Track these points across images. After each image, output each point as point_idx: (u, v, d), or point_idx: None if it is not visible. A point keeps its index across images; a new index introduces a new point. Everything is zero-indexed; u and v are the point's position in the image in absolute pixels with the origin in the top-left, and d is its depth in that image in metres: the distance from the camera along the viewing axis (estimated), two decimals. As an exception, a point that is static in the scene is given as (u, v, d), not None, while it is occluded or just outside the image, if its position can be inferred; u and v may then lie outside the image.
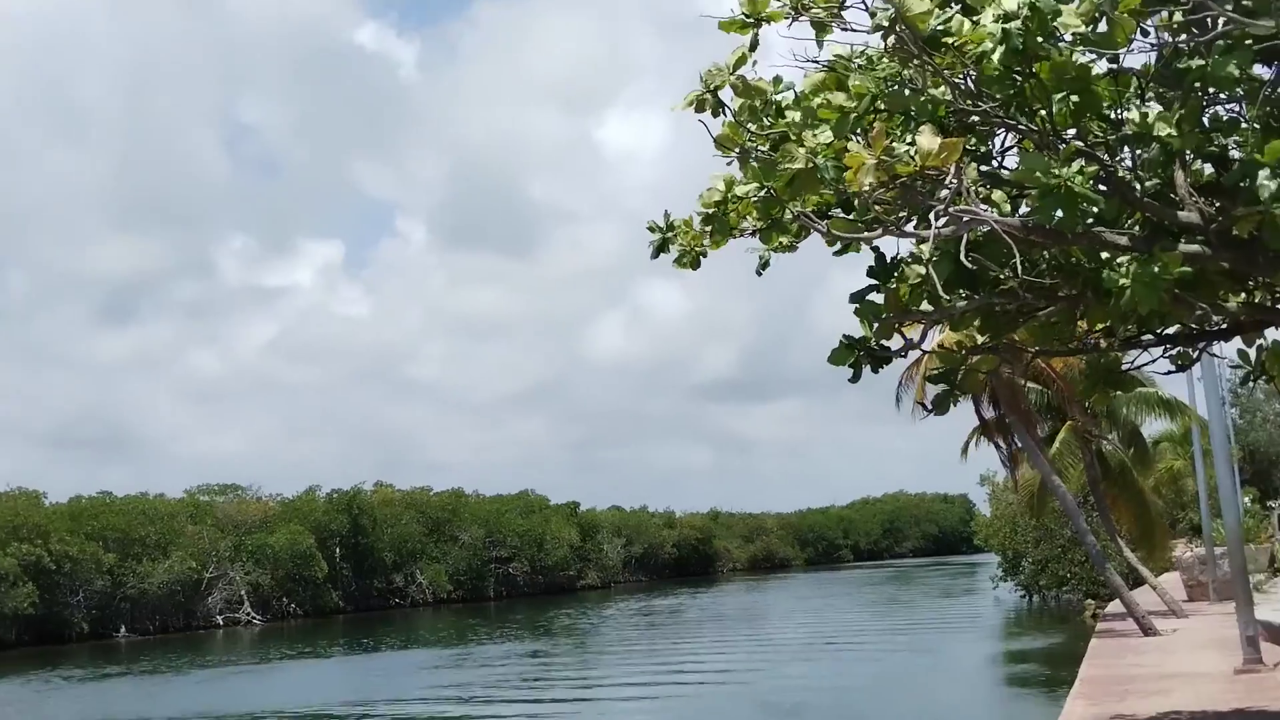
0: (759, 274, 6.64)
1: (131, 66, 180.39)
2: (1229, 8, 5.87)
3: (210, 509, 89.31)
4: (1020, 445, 29.70)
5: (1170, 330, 8.50)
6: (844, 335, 7.04)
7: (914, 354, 8.13)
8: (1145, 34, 6.34)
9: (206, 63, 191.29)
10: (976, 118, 6.14)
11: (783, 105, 6.29)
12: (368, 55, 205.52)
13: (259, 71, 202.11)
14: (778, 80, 6.46)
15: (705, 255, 6.60)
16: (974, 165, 6.22)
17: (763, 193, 6.07)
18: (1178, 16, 6.07)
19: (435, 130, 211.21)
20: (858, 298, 6.94)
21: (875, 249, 6.80)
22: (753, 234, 6.47)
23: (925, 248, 6.36)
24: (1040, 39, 5.45)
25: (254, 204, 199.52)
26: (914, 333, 7.51)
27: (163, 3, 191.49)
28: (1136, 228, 6.98)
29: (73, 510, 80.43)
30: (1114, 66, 6.31)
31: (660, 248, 6.59)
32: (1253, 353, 8.60)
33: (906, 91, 5.96)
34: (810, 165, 5.63)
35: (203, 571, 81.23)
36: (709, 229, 6.40)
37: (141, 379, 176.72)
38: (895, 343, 7.32)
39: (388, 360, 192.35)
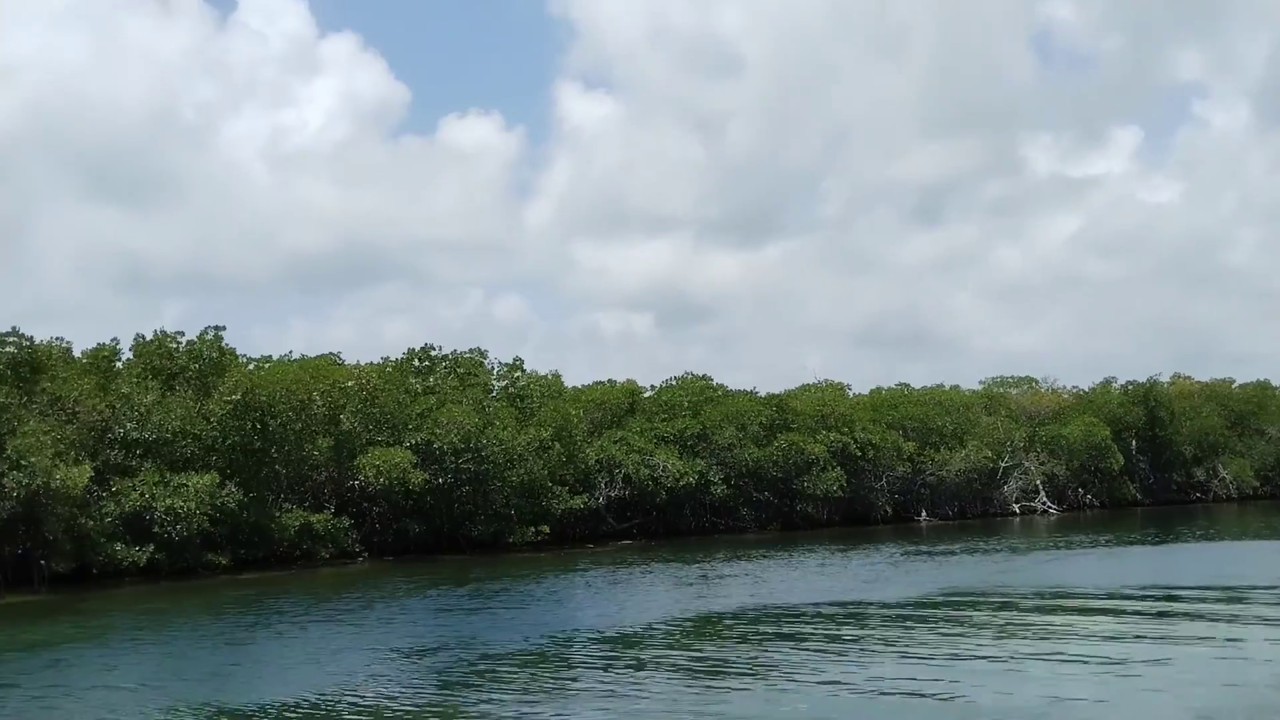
0: None
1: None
2: None
3: (1004, 400, 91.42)
4: None
5: None
6: None
7: None
8: None
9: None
10: None
11: None
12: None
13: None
14: None
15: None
16: None
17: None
18: None
19: (1253, 5, 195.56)
20: None
21: None
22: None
23: None
24: None
25: (1062, 99, 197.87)
26: None
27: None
28: None
29: (873, 401, 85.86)
30: None
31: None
32: None
33: None
34: None
35: (998, 461, 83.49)
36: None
37: (945, 278, 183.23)
38: None
39: (1194, 250, 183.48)
